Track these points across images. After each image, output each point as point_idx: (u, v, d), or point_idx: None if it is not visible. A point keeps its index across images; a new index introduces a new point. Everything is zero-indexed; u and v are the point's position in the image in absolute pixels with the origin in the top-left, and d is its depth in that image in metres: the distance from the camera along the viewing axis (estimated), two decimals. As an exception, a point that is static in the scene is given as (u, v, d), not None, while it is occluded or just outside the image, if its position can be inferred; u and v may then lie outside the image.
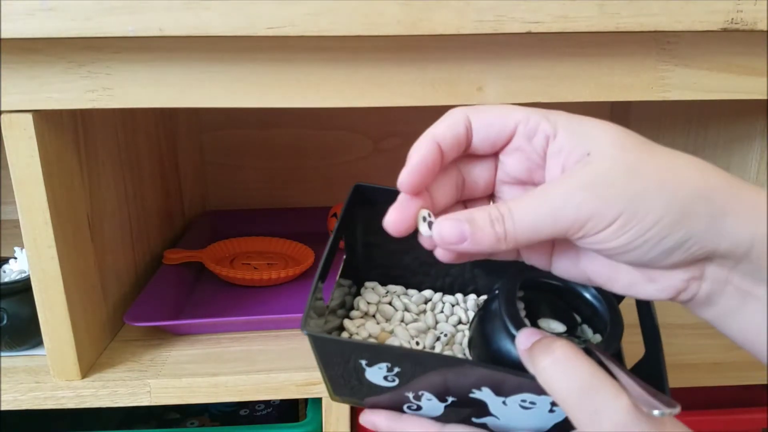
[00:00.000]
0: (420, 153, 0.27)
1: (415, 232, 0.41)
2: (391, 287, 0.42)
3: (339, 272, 0.39)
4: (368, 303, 0.40)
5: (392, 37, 0.38)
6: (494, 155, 0.30)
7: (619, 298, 0.36)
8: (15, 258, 0.53)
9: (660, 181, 0.24)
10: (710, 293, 0.27)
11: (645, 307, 0.35)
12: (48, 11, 0.36)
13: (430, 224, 0.28)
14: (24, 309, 0.48)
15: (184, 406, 0.70)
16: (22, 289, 0.48)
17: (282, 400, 0.70)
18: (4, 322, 0.49)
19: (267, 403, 0.72)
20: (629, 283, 0.28)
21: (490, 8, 0.37)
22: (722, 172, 0.26)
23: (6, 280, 0.50)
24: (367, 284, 0.42)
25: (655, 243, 0.25)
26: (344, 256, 0.40)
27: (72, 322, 0.45)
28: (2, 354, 0.51)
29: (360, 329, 0.37)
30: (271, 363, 0.50)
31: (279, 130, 0.83)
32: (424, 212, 0.28)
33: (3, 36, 0.36)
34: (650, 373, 0.32)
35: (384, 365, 0.30)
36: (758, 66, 0.42)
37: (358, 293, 0.41)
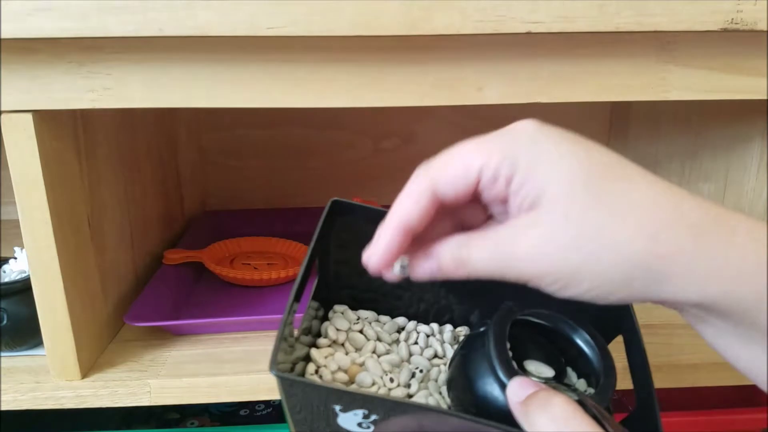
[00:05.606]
0: (386, 239, 0.28)
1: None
2: (362, 313, 0.39)
3: (311, 294, 0.36)
4: (337, 330, 0.37)
5: (392, 37, 0.38)
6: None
7: (609, 339, 0.35)
8: (15, 258, 0.53)
9: (600, 249, 0.25)
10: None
11: (637, 355, 0.33)
12: (48, 11, 0.35)
13: (401, 267, 0.29)
14: (24, 309, 0.48)
15: (184, 406, 0.70)
16: (22, 289, 0.48)
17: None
18: (4, 322, 0.49)
19: (267, 403, 0.72)
20: None
21: (490, 8, 0.37)
22: (693, 212, 0.25)
23: (6, 280, 0.50)
24: (336, 308, 0.39)
25: (600, 299, 0.26)
26: (317, 277, 0.38)
27: (72, 322, 0.45)
28: (2, 354, 0.51)
29: (328, 360, 0.35)
30: (271, 363, 0.50)
31: (279, 130, 0.83)
32: (404, 260, 0.29)
33: (3, 36, 0.36)
34: (644, 426, 0.31)
35: (360, 412, 0.28)
36: (758, 66, 0.42)
37: (325, 317, 0.39)
